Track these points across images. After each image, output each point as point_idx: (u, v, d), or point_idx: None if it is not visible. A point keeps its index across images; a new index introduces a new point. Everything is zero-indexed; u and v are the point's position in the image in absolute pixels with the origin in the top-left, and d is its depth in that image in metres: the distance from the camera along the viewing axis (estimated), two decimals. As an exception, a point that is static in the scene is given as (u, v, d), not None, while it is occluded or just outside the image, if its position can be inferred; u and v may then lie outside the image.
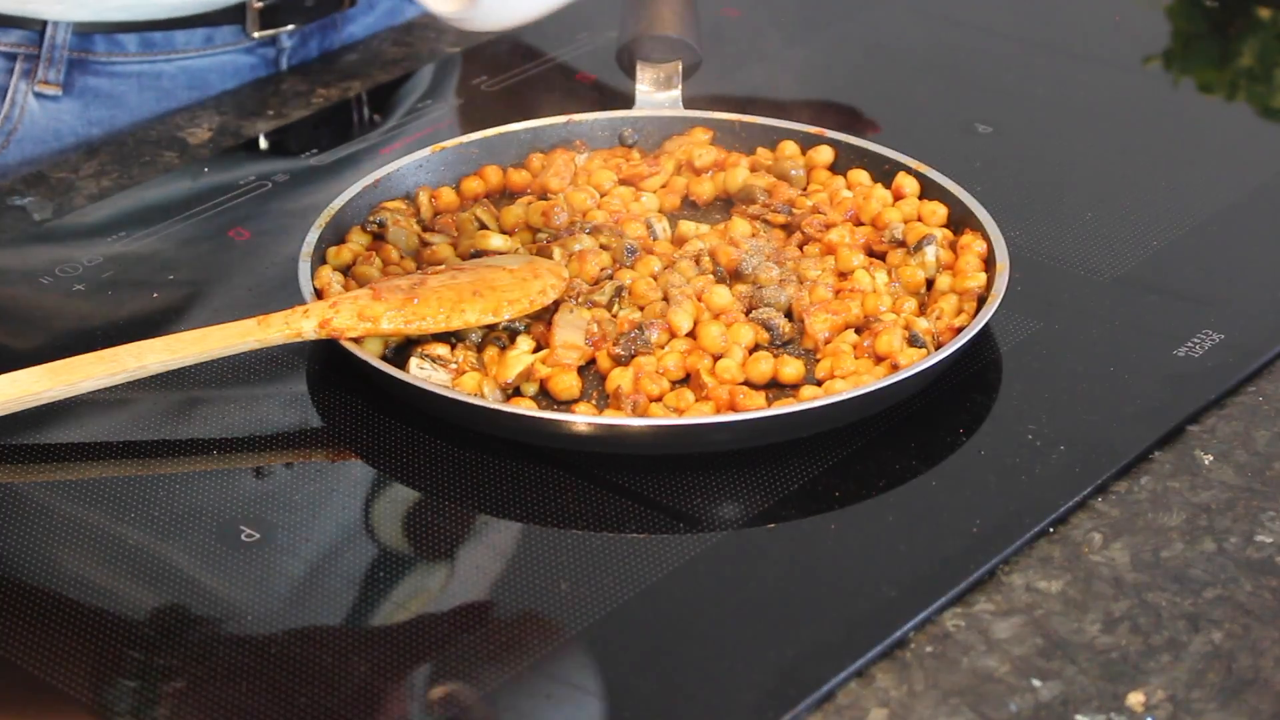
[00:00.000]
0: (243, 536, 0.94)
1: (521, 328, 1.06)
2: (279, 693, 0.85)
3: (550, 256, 1.10)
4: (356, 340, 1.02)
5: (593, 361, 1.05)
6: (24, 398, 0.99)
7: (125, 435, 1.02)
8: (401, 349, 1.04)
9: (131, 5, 1.30)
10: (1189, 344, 1.07)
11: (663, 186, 1.19)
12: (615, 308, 1.07)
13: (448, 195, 1.18)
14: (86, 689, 0.86)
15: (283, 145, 1.30)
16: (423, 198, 1.17)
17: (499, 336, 1.05)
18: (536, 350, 1.04)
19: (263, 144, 1.30)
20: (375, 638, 0.90)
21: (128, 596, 0.91)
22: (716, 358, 1.04)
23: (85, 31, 1.31)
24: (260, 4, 1.34)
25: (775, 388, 1.03)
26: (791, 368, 1.03)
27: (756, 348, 1.06)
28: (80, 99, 1.32)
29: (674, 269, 1.11)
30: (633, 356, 1.04)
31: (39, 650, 0.88)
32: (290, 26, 1.37)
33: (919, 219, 1.15)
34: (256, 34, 1.36)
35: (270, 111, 1.34)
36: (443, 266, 1.09)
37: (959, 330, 1.04)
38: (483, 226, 1.15)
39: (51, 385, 0.99)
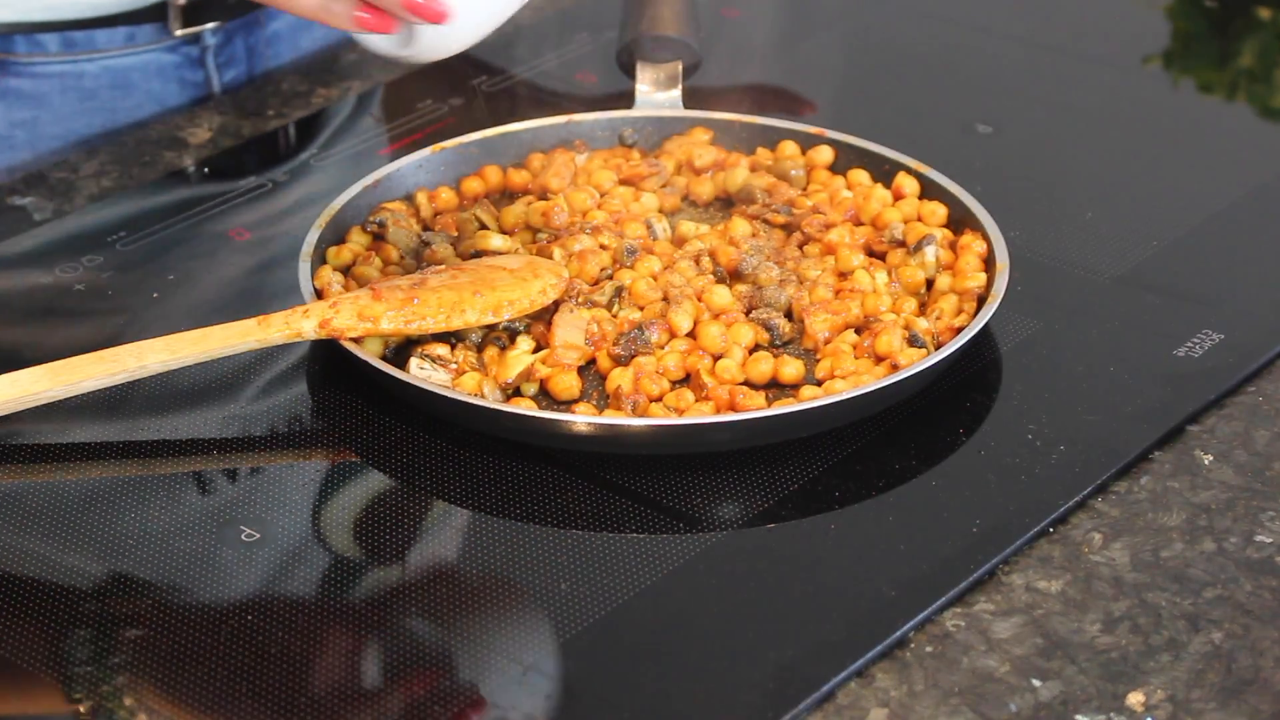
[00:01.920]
0: (243, 536, 0.94)
1: (521, 328, 1.06)
2: (279, 692, 0.85)
3: (550, 256, 1.10)
4: (356, 340, 1.02)
5: (593, 361, 1.05)
6: (24, 398, 0.99)
7: (125, 435, 1.02)
8: (401, 349, 1.04)
9: (54, 5, 1.28)
10: (1189, 344, 1.07)
11: (663, 186, 1.19)
12: (615, 308, 1.07)
13: (447, 195, 1.18)
14: (86, 688, 0.86)
15: (283, 145, 1.30)
16: (421, 198, 1.17)
17: (499, 336, 1.05)
18: (536, 350, 1.04)
19: (263, 144, 1.30)
20: (375, 637, 0.90)
21: (127, 596, 0.91)
22: (716, 358, 1.04)
23: (6, 32, 1.29)
24: (182, 1, 1.32)
25: (775, 388, 1.03)
26: (791, 368, 1.03)
27: (756, 348, 1.06)
28: (2, 100, 1.31)
29: (674, 269, 1.11)
30: (633, 356, 1.04)
31: (37, 650, 0.88)
32: (212, 24, 1.34)
33: (919, 219, 1.15)
34: (179, 32, 1.33)
35: (271, 111, 1.34)
36: (443, 266, 1.09)
37: (959, 330, 1.04)
38: (483, 226, 1.15)
39: (51, 385, 0.99)
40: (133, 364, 1.00)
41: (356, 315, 1.02)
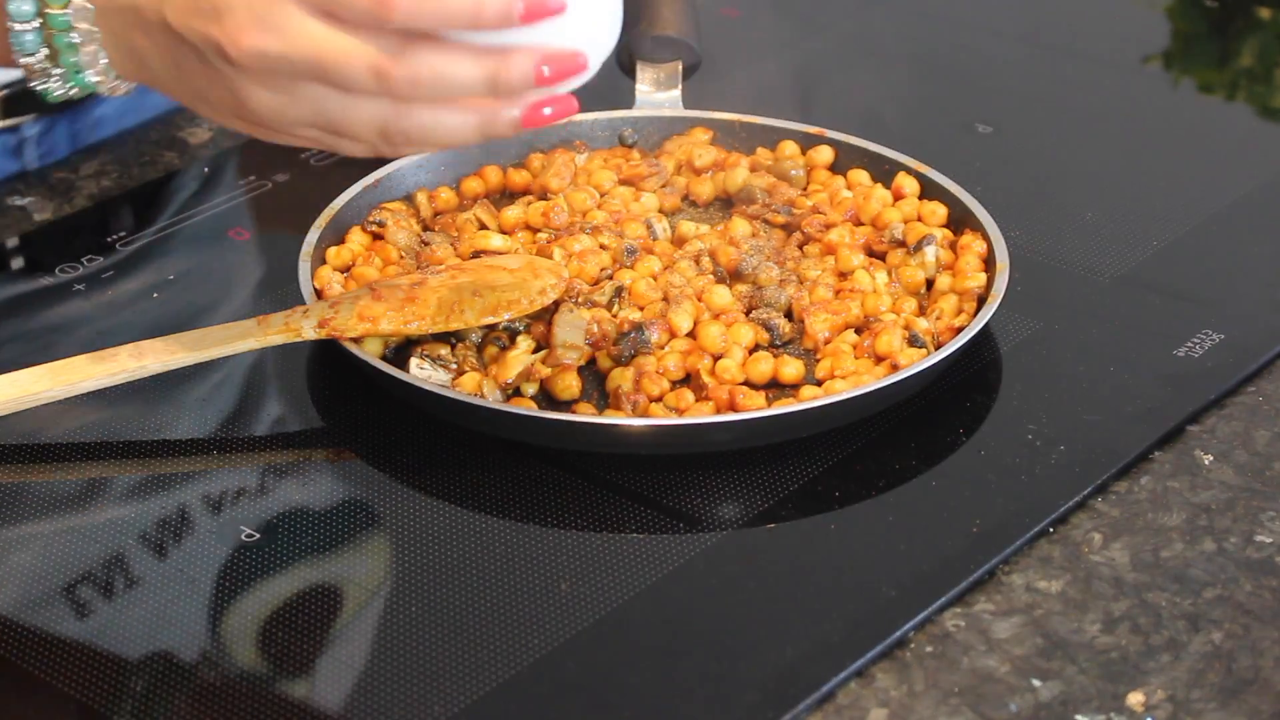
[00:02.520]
0: (243, 536, 0.94)
1: (521, 328, 1.06)
2: (277, 692, 0.85)
3: (550, 256, 1.10)
4: (356, 340, 1.02)
5: (593, 361, 1.05)
6: (24, 398, 0.99)
7: (124, 435, 1.02)
8: (401, 349, 1.04)
9: None
10: (1189, 344, 1.07)
11: (663, 186, 1.19)
12: (615, 308, 1.07)
13: (447, 195, 1.18)
14: (84, 688, 0.86)
15: (283, 145, 1.30)
16: (421, 198, 1.17)
17: (499, 336, 1.05)
18: (536, 350, 1.04)
19: (263, 144, 1.30)
20: (374, 636, 0.90)
21: (127, 596, 0.91)
22: (716, 358, 1.04)
23: None
24: (3, 93, 1.24)
25: (775, 388, 1.03)
26: (791, 368, 1.03)
27: (756, 348, 1.06)
28: None
29: (674, 269, 1.11)
30: (633, 356, 1.04)
31: (36, 648, 0.88)
32: (31, 116, 1.27)
33: (919, 219, 1.15)
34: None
35: (270, 111, 1.34)
36: (443, 266, 1.08)
37: (959, 330, 1.04)
38: (483, 227, 1.15)
39: (51, 385, 0.99)
40: (132, 364, 1.00)
41: (356, 315, 1.02)
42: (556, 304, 1.07)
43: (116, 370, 1.00)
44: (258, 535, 0.95)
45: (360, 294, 1.04)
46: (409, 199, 1.17)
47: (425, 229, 1.15)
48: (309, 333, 1.02)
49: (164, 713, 0.85)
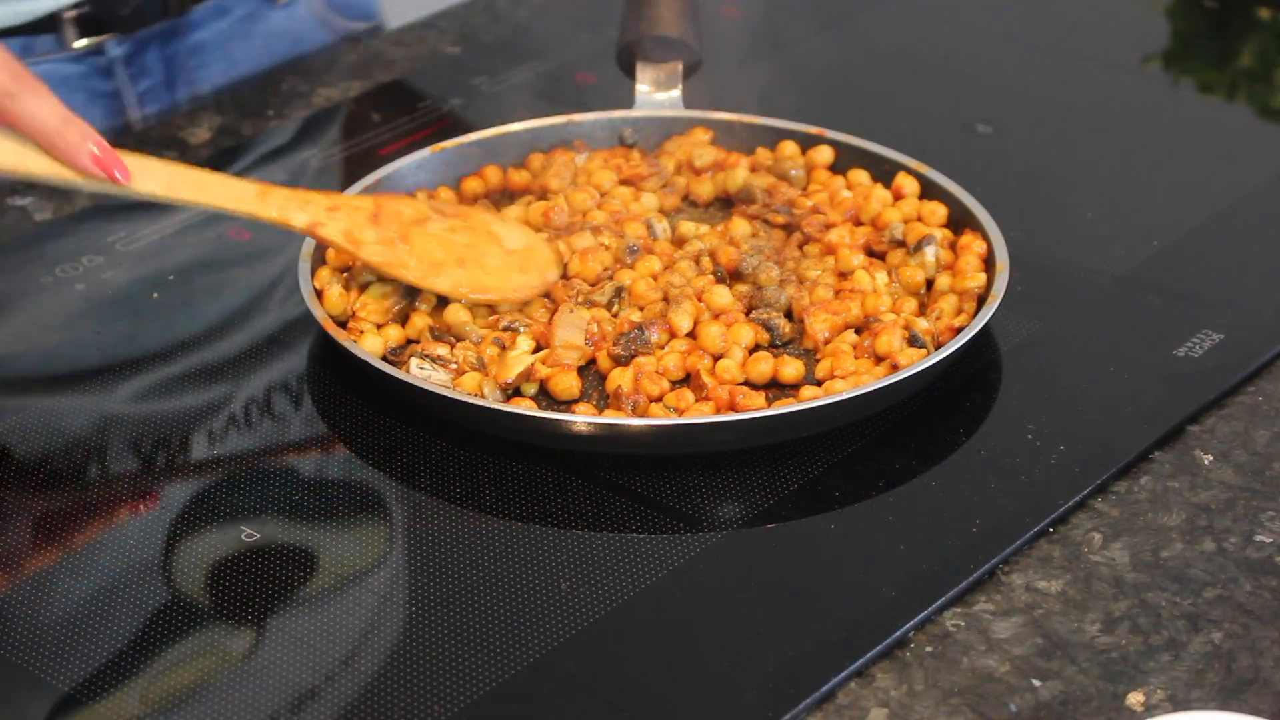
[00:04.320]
0: (243, 536, 0.94)
1: (521, 328, 1.06)
2: (277, 692, 0.86)
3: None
4: (356, 338, 1.03)
5: (593, 361, 1.05)
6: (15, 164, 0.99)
7: (124, 435, 1.02)
8: (401, 349, 1.04)
9: None
10: (1189, 344, 1.07)
11: (663, 186, 1.19)
12: (615, 308, 1.07)
13: (447, 196, 1.18)
14: (82, 688, 0.86)
15: (283, 145, 1.30)
16: (421, 198, 1.16)
17: (499, 336, 1.05)
18: (536, 350, 1.04)
19: (262, 143, 1.30)
20: (375, 636, 0.90)
21: (127, 596, 0.91)
22: (716, 358, 1.04)
23: None
24: (73, 14, 1.28)
25: (775, 388, 1.04)
26: (791, 368, 1.03)
27: (756, 348, 1.06)
28: None
29: (674, 269, 1.11)
30: (633, 356, 1.04)
31: (35, 649, 0.88)
32: (110, 35, 1.31)
33: (919, 219, 1.15)
34: (76, 44, 1.30)
35: (270, 111, 1.34)
36: (451, 211, 1.08)
37: (959, 330, 1.04)
38: None
39: (48, 168, 0.99)
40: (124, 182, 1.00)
41: (344, 234, 1.02)
42: (556, 304, 1.07)
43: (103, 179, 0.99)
44: (258, 535, 0.95)
45: (362, 207, 1.03)
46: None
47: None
48: (296, 224, 1.03)
49: (164, 713, 0.85)
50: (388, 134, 1.30)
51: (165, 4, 1.31)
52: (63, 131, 0.98)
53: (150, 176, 1.01)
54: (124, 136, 1.33)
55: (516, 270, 1.06)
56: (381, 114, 1.34)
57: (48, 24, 1.29)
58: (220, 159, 1.28)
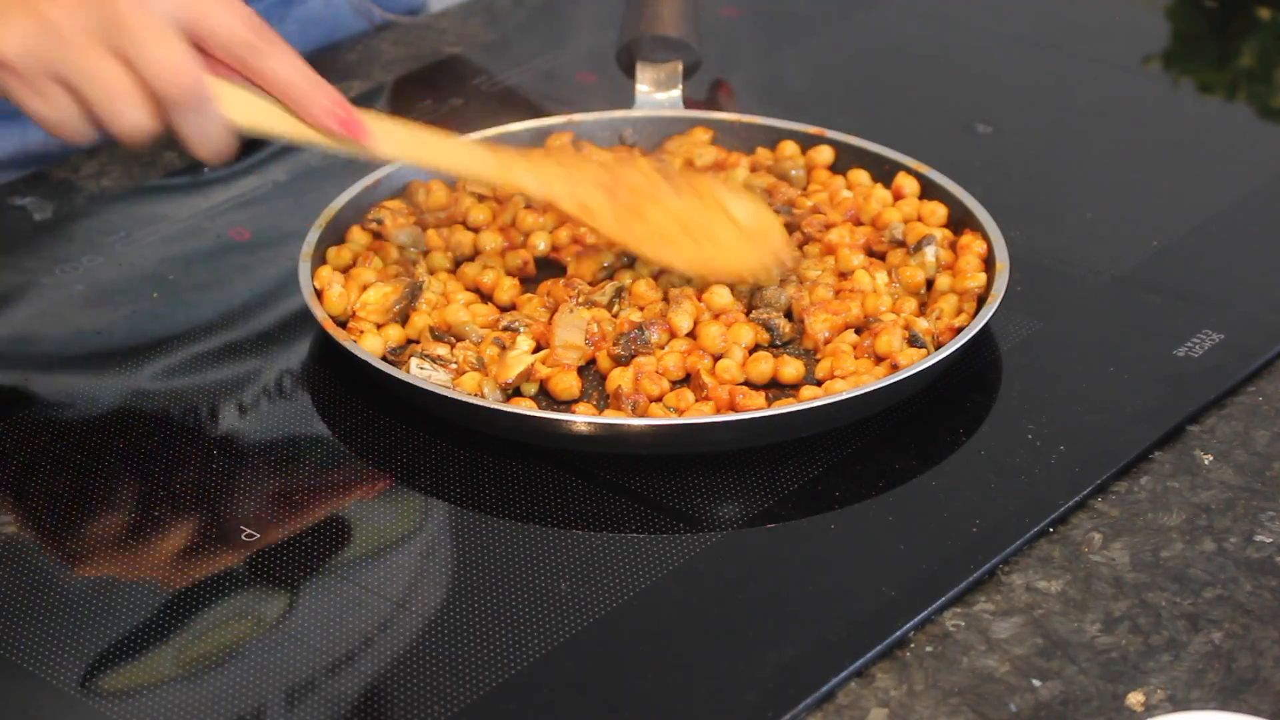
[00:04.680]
0: (243, 536, 0.94)
1: (521, 328, 1.06)
2: (275, 692, 0.85)
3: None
4: (357, 338, 1.03)
5: (593, 361, 1.05)
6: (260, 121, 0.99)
7: (124, 435, 1.02)
8: (401, 349, 1.04)
9: None
10: (1189, 344, 1.07)
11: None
12: (615, 308, 1.07)
13: (439, 191, 1.17)
14: (82, 688, 0.86)
15: (283, 145, 1.30)
16: (416, 187, 1.16)
17: (499, 336, 1.05)
18: (536, 350, 1.04)
19: (263, 144, 1.30)
20: (374, 636, 0.90)
21: (127, 596, 0.91)
22: (716, 358, 1.04)
23: None
24: None
25: (775, 388, 1.04)
26: (791, 368, 1.03)
27: (756, 348, 1.06)
28: None
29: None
30: (632, 356, 1.04)
31: (35, 650, 0.88)
32: None
33: (919, 219, 1.15)
34: None
35: (270, 111, 1.34)
36: (684, 179, 1.06)
37: (959, 330, 1.04)
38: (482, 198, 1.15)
39: (284, 127, 1.00)
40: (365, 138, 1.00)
41: (579, 205, 1.02)
42: (556, 304, 1.07)
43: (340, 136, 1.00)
44: (257, 535, 0.95)
45: (596, 178, 1.03)
46: (404, 192, 1.17)
47: (423, 226, 1.15)
48: (531, 189, 1.03)
49: (164, 713, 0.85)
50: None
51: None
52: (307, 90, 0.99)
53: (389, 139, 1.02)
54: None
55: (750, 247, 1.05)
56: (381, 114, 1.34)
57: None
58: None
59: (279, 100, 0.99)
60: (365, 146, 1.01)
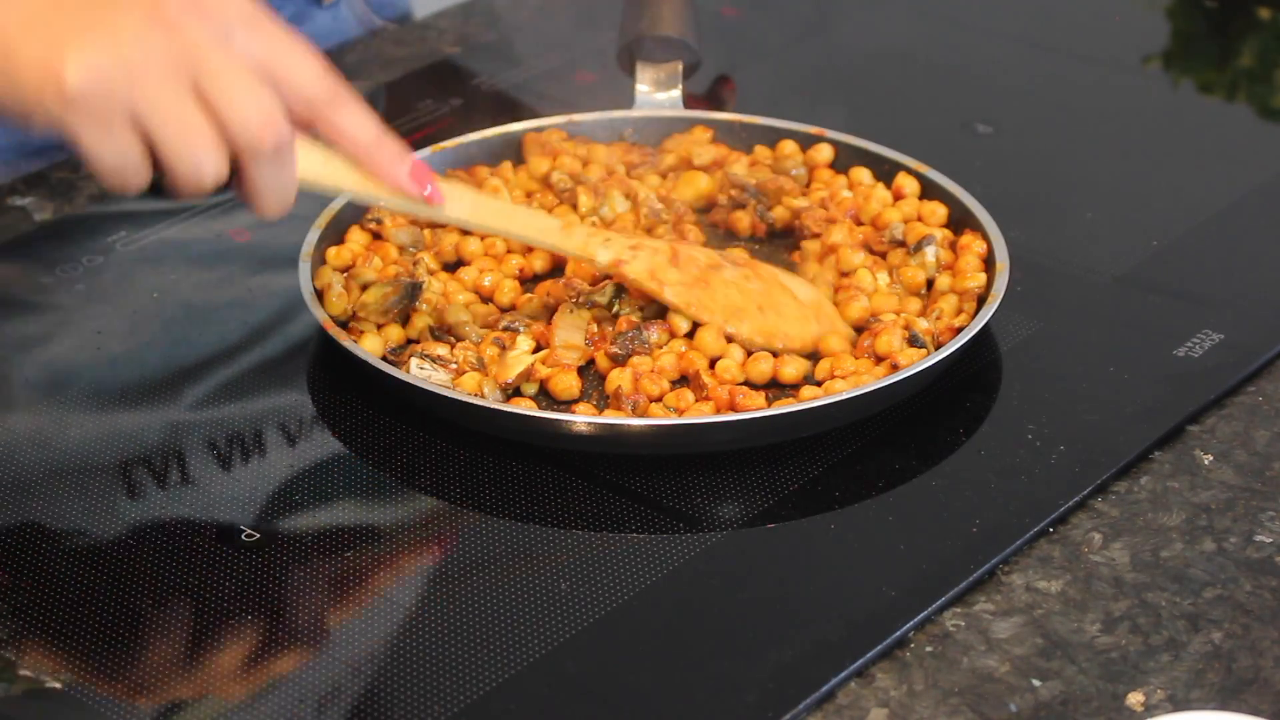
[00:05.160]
0: (243, 536, 0.94)
1: (521, 328, 1.06)
2: (276, 692, 0.85)
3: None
4: (358, 337, 1.03)
5: (593, 361, 1.05)
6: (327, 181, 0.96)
7: (124, 434, 1.02)
8: (401, 349, 1.04)
9: None
10: (1189, 344, 1.07)
11: (662, 179, 1.19)
12: (615, 307, 1.07)
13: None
14: (82, 689, 0.86)
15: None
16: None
17: (499, 336, 1.05)
18: (536, 350, 1.04)
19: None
20: (374, 636, 0.90)
21: (127, 596, 0.91)
22: (715, 359, 1.04)
23: None
24: None
25: (775, 388, 1.03)
26: (791, 368, 1.03)
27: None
28: None
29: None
30: (629, 356, 1.03)
31: (36, 650, 0.88)
32: None
33: (919, 219, 1.15)
34: None
35: (270, 111, 1.34)
36: (742, 259, 1.09)
37: (959, 330, 1.04)
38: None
39: (353, 185, 0.97)
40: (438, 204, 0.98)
41: (649, 271, 1.03)
42: (556, 304, 1.07)
43: (411, 199, 0.98)
44: (257, 535, 0.95)
45: (659, 249, 1.04)
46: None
47: (419, 226, 1.15)
48: (600, 261, 1.04)
49: (164, 714, 0.85)
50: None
51: None
52: (380, 147, 0.95)
53: (458, 202, 1.01)
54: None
55: (812, 320, 1.06)
56: (381, 114, 1.33)
57: None
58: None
59: (347, 156, 0.96)
60: (434, 208, 0.98)
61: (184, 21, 0.88)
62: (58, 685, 0.86)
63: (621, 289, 1.08)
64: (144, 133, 0.88)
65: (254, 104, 0.89)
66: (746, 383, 1.03)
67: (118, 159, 0.88)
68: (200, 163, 0.89)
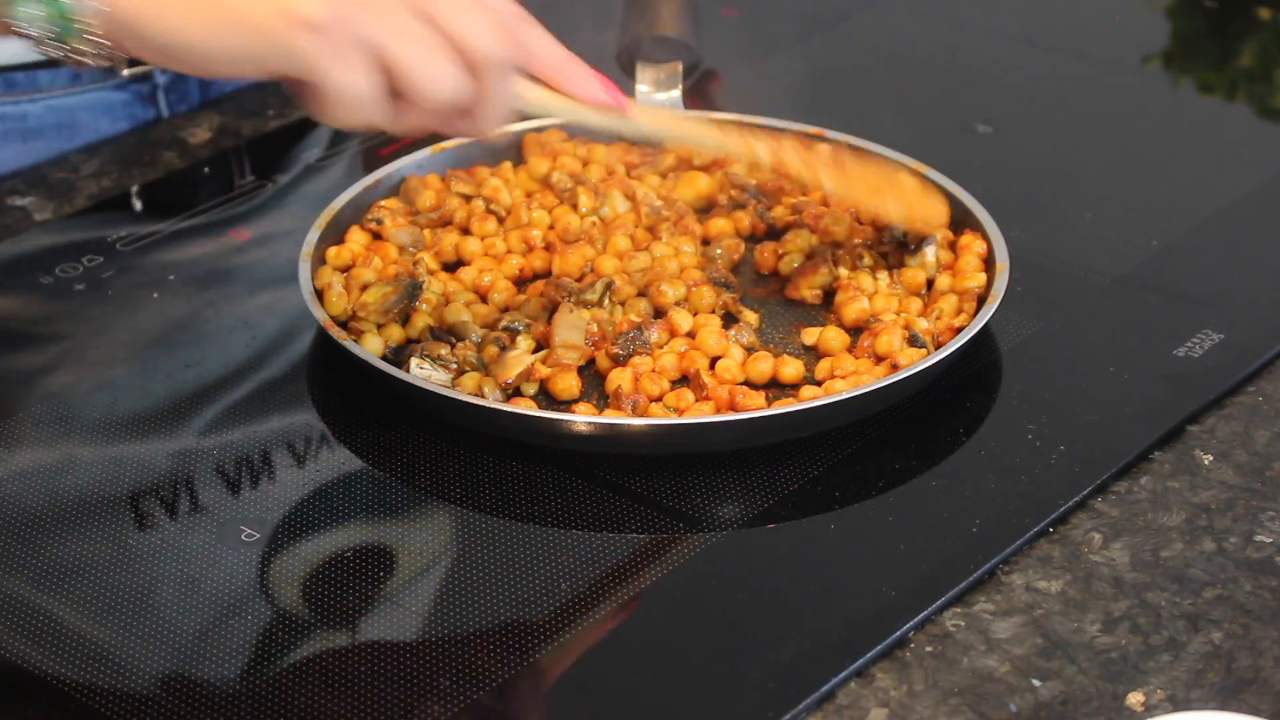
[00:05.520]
0: (243, 536, 0.94)
1: (521, 328, 1.06)
2: (276, 692, 0.86)
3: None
4: (357, 338, 1.03)
5: (593, 361, 1.05)
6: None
7: (125, 434, 1.02)
8: (401, 349, 1.04)
9: None
10: (1189, 344, 1.07)
11: (662, 178, 1.19)
12: (605, 303, 1.07)
13: (428, 192, 1.17)
14: (88, 692, 0.86)
15: (283, 145, 1.30)
16: (414, 182, 1.16)
17: (499, 336, 1.05)
18: (536, 350, 1.04)
19: (263, 144, 1.30)
20: (374, 636, 0.90)
21: (127, 596, 0.91)
22: (715, 358, 1.04)
23: None
24: None
25: (775, 388, 1.04)
26: (791, 368, 1.03)
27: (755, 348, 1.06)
28: None
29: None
30: (630, 356, 1.04)
31: (36, 651, 0.88)
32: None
33: (919, 219, 1.15)
34: (126, 72, 1.28)
35: (271, 112, 1.34)
36: (848, 155, 1.13)
37: (959, 330, 1.04)
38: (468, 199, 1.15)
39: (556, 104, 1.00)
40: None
41: (805, 163, 1.08)
42: (556, 304, 1.07)
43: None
44: (257, 535, 0.95)
45: (795, 145, 1.09)
46: (401, 189, 1.17)
47: (418, 227, 1.15)
48: (761, 159, 1.08)
49: (164, 714, 0.85)
50: (387, 134, 1.30)
51: None
52: (573, 65, 1.00)
53: (644, 113, 1.06)
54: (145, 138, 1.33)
55: (934, 197, 1.11)
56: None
57: None
58: (220, 159, 1.28)
59: (544, 76, 0.99)
60: (625, 118, 1.02)
61: None
62: None
63: (610, 285, 1.08)
64: (383, 60, 0.91)
65: (482, 22, 0.93)
66: (746, 383, 1.03)
67: (359, 89, 0.91)
68: (442, 77, 0.92)
